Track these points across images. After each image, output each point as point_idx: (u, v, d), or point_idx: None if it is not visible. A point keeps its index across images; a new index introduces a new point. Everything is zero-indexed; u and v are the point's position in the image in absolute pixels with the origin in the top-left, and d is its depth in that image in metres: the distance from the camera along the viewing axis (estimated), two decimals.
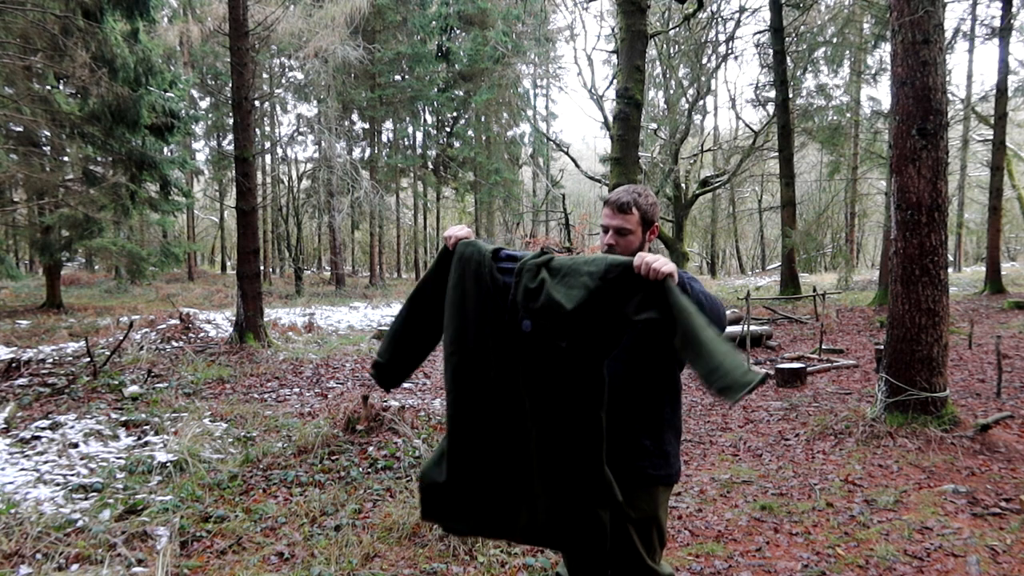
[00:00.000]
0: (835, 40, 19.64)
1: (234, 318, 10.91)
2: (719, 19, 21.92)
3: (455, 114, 31.28)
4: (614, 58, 18.29)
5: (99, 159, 13.16)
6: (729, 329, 10.31)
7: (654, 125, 24.43)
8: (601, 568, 2.01)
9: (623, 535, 1.95)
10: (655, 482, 1.97)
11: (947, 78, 5.46)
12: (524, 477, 1.81)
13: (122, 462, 4.50)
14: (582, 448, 1.73)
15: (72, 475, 4.25)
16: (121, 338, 9.07)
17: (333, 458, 4.62)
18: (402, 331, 2.08)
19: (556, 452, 1.75)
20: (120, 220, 13.40)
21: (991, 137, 16.97)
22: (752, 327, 9.57)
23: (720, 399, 1.64)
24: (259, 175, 24.35)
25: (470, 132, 31.69)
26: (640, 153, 9.62)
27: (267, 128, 29.96)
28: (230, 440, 5.10)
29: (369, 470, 4.41)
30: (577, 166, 21.63)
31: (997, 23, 15.94)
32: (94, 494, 3.92)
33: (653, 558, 2.00)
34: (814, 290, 14.88)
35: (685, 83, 23.87)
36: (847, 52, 20.25)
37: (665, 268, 1.62)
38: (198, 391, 7.01)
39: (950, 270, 15.56)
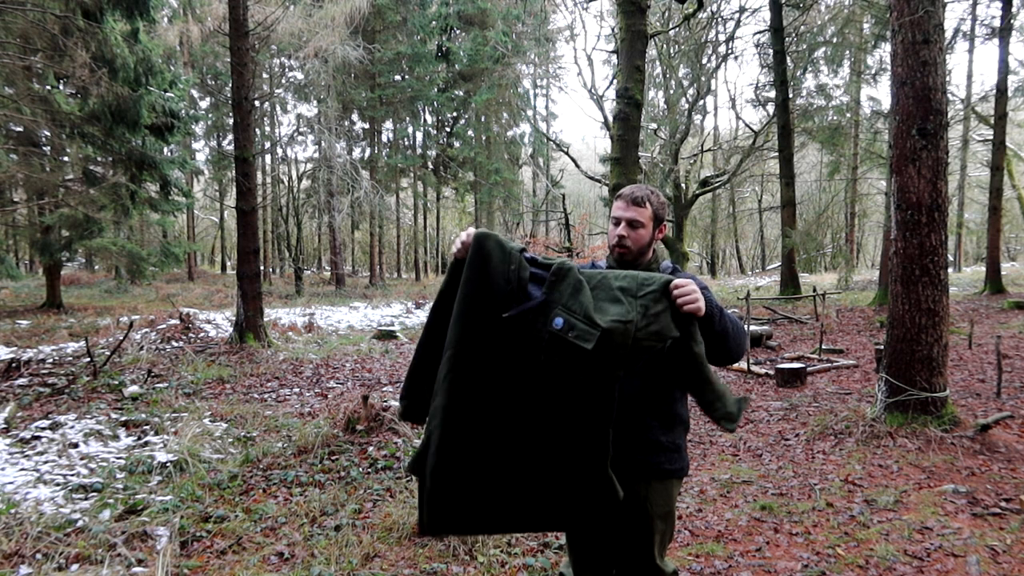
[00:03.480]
0: (835, 40, 19.63)
1: (234, 318, 10.92)
2: (719, 19, 21.93)
3: (455, 114, 31.30)
4: (614, 58, 18.29)
5: (99, 159, 13.17)
6: None
7: (654, 125, 24.43)
8: (608, 559, 2.04)
9: (638, 530, 1.99)
10: (670, 476, 2.02)
11: (947, 78, 5.45)
12: (525, 469, 1.74)
13: (122, 462, 4.50)
14: (588, 454, 1.72)
15: (72, 475, 4.25)
16: (121, 338, 9.08)
17: (333, 458, 4.62)
18: (423, 365, 1.89)
19: (562, 452, 1.72)
20: (120, 220, 13.40)
21: (991, 137, 16.97)
22: (752, 327, 9.56)
23: (721, 426, 1.85)
24: (259, 175, 24.36)
25: (470, 132, 31.71)
26: (640, 153, 9.61)
27: (267, 128, 29.96)
28: (230, 440, 5.10)
29: (369, 470, 4.41)
30: (577, 166, 21.62)
31: (997, 23, 15.95)
32: (94, 494, 3.92)
33: (662, 554, 2.05)
34: (814, 290, 14.88)
35: (685, 83, 23.86)
36: (847, 52, 20.24)
37: (697, 306, 1.73)
38: (198, 391, 7.01)
39: (950, 270, 15.59)
